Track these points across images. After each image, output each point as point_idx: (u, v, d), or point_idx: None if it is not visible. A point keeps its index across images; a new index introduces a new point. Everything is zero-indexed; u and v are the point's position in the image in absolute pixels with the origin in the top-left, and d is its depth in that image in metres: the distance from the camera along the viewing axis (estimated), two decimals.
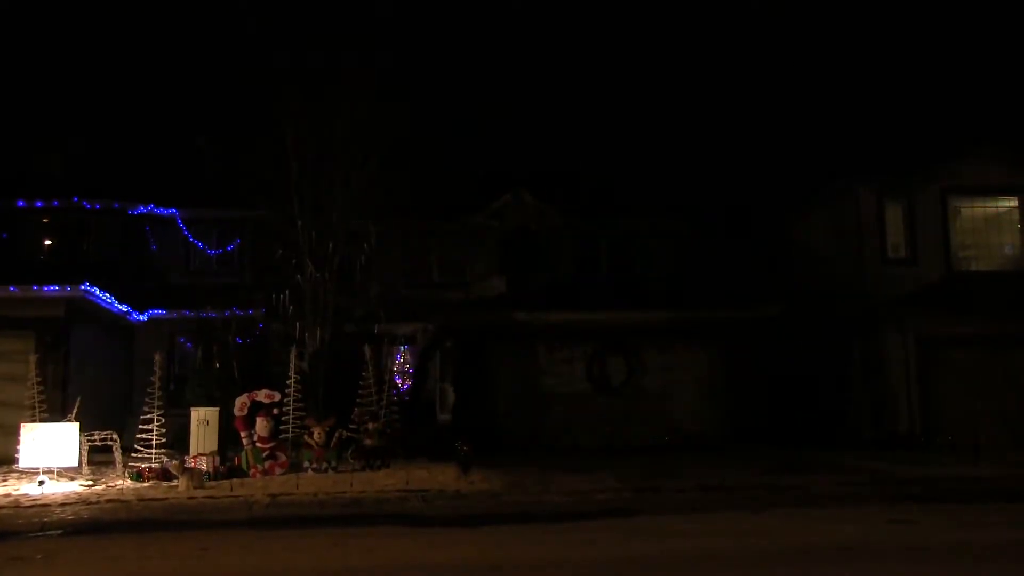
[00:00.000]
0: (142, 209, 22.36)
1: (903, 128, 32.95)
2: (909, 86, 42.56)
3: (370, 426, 15.29)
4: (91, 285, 17.27)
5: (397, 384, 19.80)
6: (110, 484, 13.16)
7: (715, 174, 30.70)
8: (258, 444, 14.45)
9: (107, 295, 18.28)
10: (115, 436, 14.98)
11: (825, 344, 21.61)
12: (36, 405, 14.18)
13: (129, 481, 13.35)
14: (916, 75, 43.92)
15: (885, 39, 46.97)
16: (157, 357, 14.60)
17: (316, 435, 14.76)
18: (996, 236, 20.61)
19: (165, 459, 14.01)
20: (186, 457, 14.04)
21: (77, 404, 14.42)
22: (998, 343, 18.33)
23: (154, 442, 14.06)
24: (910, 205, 20.14)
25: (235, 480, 13.52)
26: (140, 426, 14.23)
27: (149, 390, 14.33)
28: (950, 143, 21.49)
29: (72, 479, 13.61)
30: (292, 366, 15.55)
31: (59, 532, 9.45)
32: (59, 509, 11.08)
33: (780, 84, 45.40)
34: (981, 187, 20.32)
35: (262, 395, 14.89)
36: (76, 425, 13.83)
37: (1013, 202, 20.55)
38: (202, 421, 15.01)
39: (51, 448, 13.26)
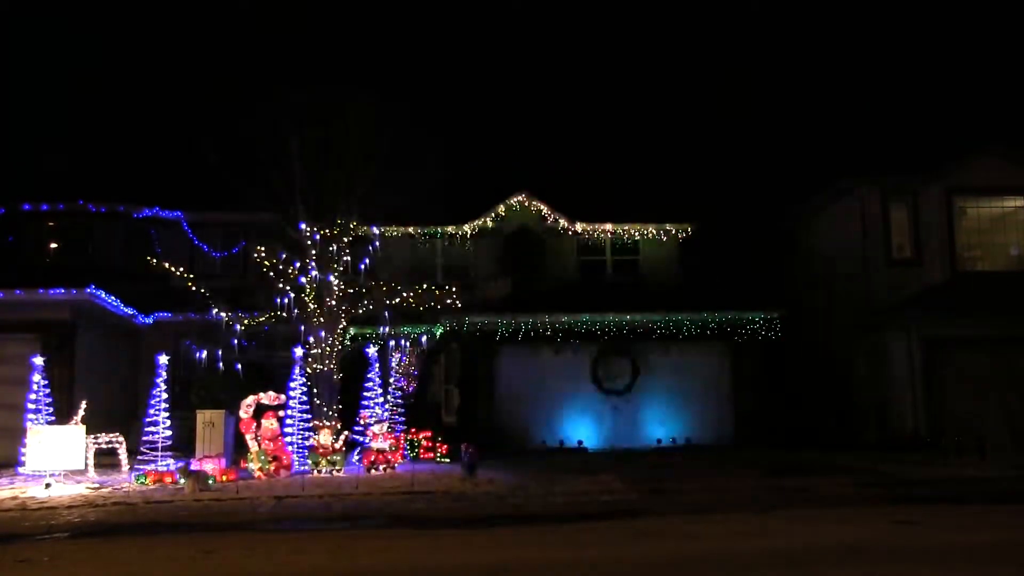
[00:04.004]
0: (147, 212, 22.40)
1: (908, 128, 32.89)
2: (914, 86, 42.49)
3: (375, 428, 15.32)
4: (96, 288, 17.30)
5: (402, 386, 19.81)
6: (116, 487, 13.20)
7: (719, 176, 30.73)
8: (263, 446, 14.47)
9: (112, 298, 18.31)
10: (121, 439, 15.02)
11: (830, 345, 21.60)
12: (42, 408, 14.23)
13: (135, 484, 13.38)
14: (921, 75, 43.84)
15: (890, 39, 46.91)
16: (162, 360, 14.61)
17: (322, 437, 14.78)
18: (1002, 236, 20.57)
19: (171, 462, 14.04)
20: (191, 459, 14.07)
21: (83, 407, 14.43)
22: (1004, 344, 18.29)
23: (160, 444, 14.08)
24: (915, 205, 20.11)
25: (240, 482, 13.54)
26: (146, 428, 14.26)
27: (154, 392, 14.35)
28: (956, 143, 21.44)
29: (78, 481, 13.65)
30: (297, 368, 15.58)
31: (65, 534, 9.46)
32: (65, 511, 11.10)
33: (784, 85, 45.35)
34: (987, 187, 20.27)
35: (267, 397, 14.92)
36: (82, 428, 13.88)
37: (1020, 202, 20.52)
38: (207, 423, 15.05)
39: (57, 451, 13.31)
